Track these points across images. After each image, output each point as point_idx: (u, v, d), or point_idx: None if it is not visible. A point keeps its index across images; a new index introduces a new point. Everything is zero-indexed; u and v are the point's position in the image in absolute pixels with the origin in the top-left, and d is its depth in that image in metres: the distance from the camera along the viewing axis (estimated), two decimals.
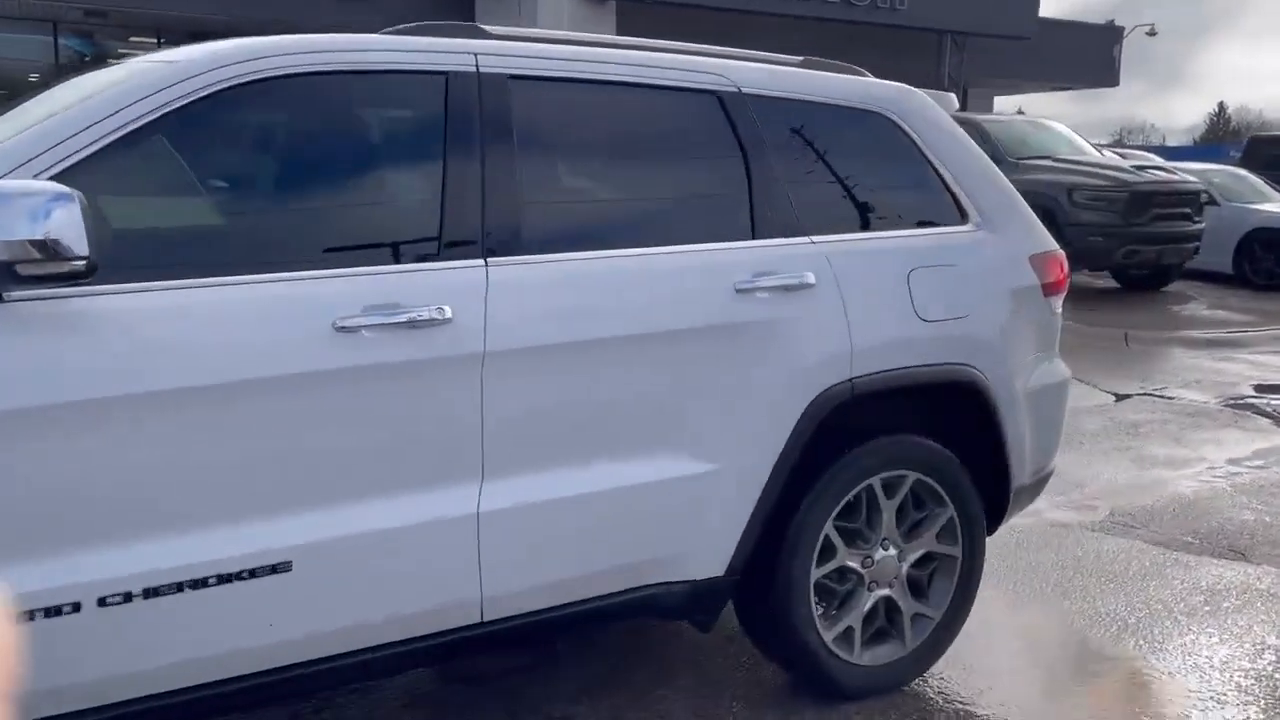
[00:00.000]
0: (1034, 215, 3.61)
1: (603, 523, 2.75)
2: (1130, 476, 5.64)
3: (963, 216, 3.38)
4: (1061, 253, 3.61)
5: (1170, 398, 7.64)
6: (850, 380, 3.02)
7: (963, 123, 12.08)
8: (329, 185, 2.59)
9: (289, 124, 2.63)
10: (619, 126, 2.92)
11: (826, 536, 3.09)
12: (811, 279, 2.98)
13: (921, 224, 3.32)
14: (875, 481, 3.15)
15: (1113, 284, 12.94)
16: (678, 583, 2.90)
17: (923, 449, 3.22)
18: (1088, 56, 25.99)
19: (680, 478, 2.83)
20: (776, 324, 2.91)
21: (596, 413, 2.70)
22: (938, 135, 3.39)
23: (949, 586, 3.36)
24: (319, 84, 2.50)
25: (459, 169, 2.58)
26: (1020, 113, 25.18)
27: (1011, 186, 3.58)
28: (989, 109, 26.75)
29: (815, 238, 3.06)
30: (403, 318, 2.40)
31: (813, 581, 3.08)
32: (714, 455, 2.87)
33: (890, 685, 3.28)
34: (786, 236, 3.02)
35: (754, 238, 2.99)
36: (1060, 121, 13.45)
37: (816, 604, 3.13)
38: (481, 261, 2.57)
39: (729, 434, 2.88)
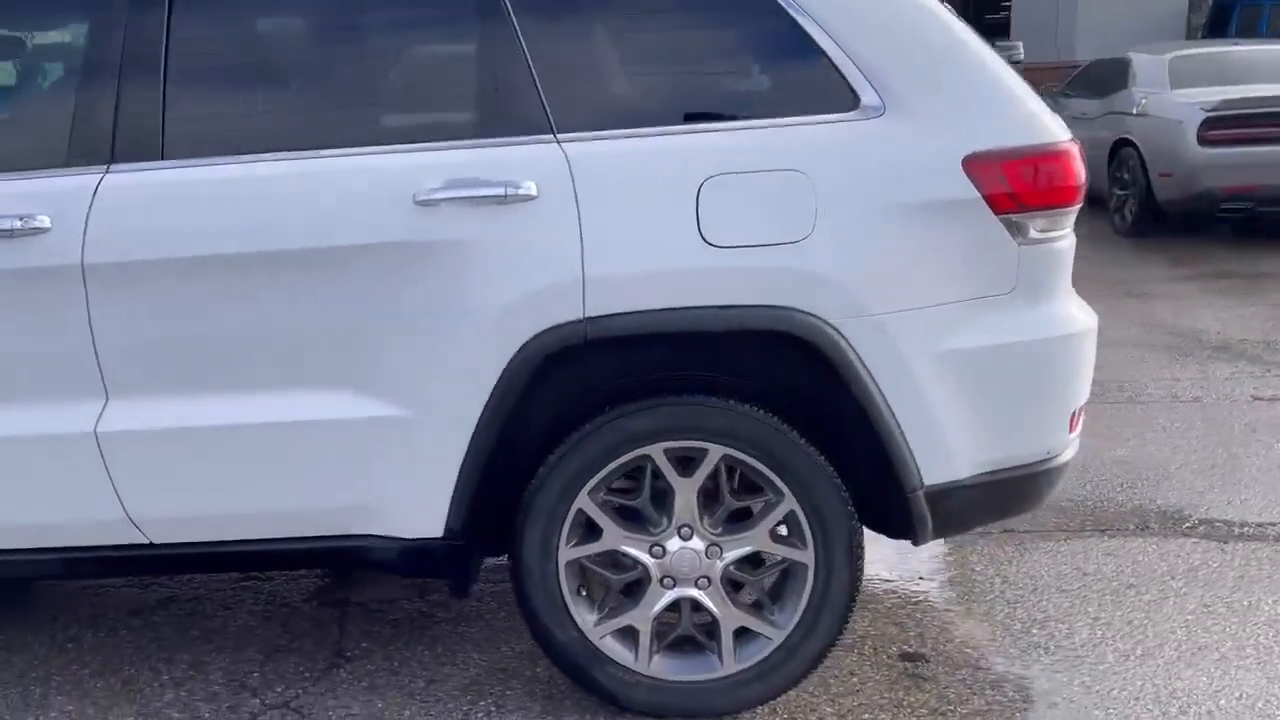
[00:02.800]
0: (1010, 92, 2.44)
1: (268, 459, 2.48)
2: None
3: (854, 100, 2.39)
4: (1052, 148, 2.41)
5: None
6: (584, 320, 2.35)
7: None
8: None
9: None
10: (311, 14, 2.51)
11: (582, 512, 2.48)
12: (530, 189, 2.34)
13: (770, 113, 2.42)
14: (655, 452, 2.44)
15: None
16: (388, 538, 2.54)
17: (728, 416, 2.41)
18: None
19: (360, 420, 2.45)
20: (469, 244, 2.35)
21: (242, 337, 2.43)
22: None
23: (799, 600, 2.52)
24: None
25: (93, 67, 2.43)
26: None
27: (974, 52, 2.45)
28: None
29: (566, 135, 2.39)
30: None
31: (563, 563, 2.50)
32: (402, 399, 2.43)
33: (698, 710, 2.57)
34: (521, 134, 2.40)
35: (478, 137, 2.42)
36: None
37: (579, 592, 2.55)
38: (103, 168, 2.41)
39: (418, 376, 2.41)
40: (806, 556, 2.49)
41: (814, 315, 2.34)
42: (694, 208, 2.33)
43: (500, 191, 2.33)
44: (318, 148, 2.42)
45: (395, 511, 2.50)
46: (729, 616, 2.54)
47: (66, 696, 2.78)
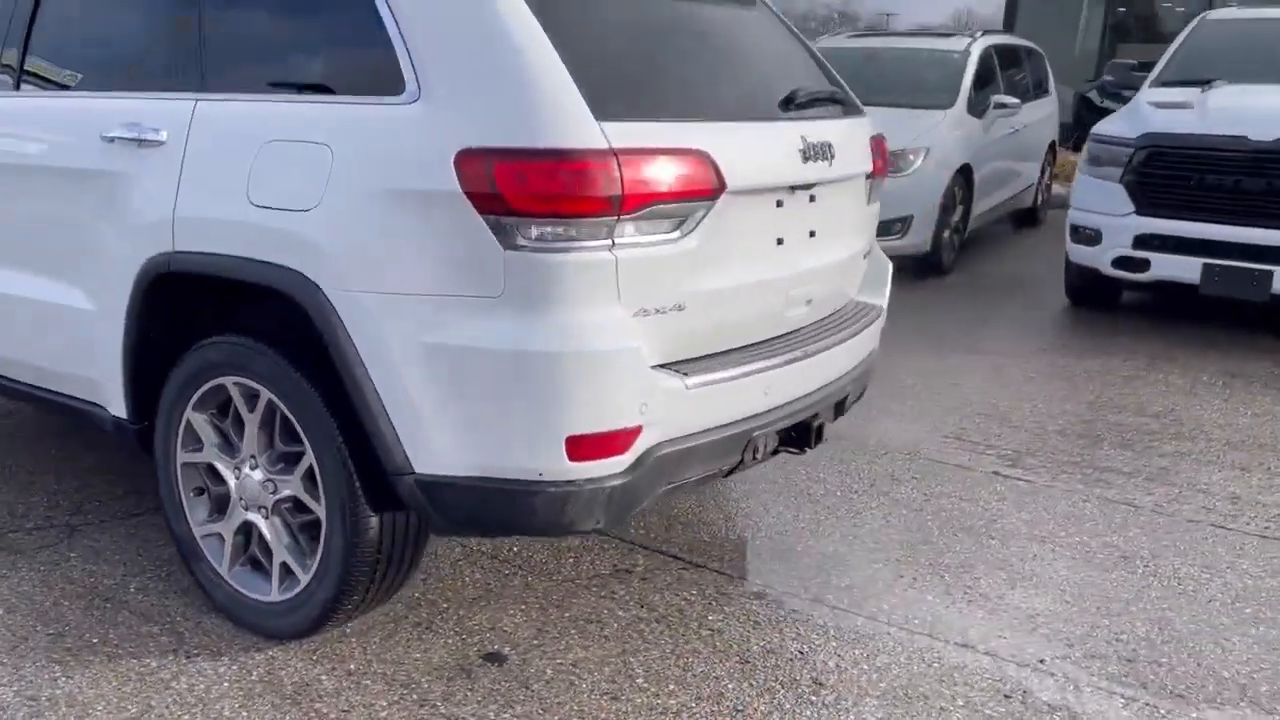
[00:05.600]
0: (535, 94, 2.31)
1: (31, 325, 3.19)
2: None
3: (400, 85, 2.45)
4: (560, 155, 2.26)
5: None
6: (170, 254, 2.72)
7: None
8: None
9: None
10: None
11: (190, 423, 2.86)
12: (162, 136, 2.76)
13: (338, 88, 2.55)
14: (229, 383, 2.74)
15: None
16: (106, 410, 3.12)
17: (263, 362, 2.64)
18: None
19: (72, 308, 3.05)
20: (127, 176, 2.83)
21: (12, 227, 3.16)
22: None
23: (317, 550, 2.68)
24: None
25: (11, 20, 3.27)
26: None
27: (515, 49, 2.34)
28: None
29: (206, 95, 2.75)
30: None
31: (178, 465, 2.91)
32: (90, 295, 2.99)
33: (255, 625, 2.83)
34: (182, 91, 2.81)
35: (160, 90, 2.87)
36: None
37: (194, 493, 2.94)
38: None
39: (97, 279, 2.96)
40: (320, 511, 2.64)
41: (313, 281, 2.47)
42: (249, 168, 2.58)
43: (138, 135, 2.79)
44: (64, 89, 3.10)
45: (105, 389, 3.07)
46: (279, 551, 2.77)
47: None
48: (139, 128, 2.81)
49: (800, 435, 2.92)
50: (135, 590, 3.07)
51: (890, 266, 3.52)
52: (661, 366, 2.51)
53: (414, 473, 2.46)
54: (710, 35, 2.88)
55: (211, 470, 2.89)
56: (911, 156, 7.35)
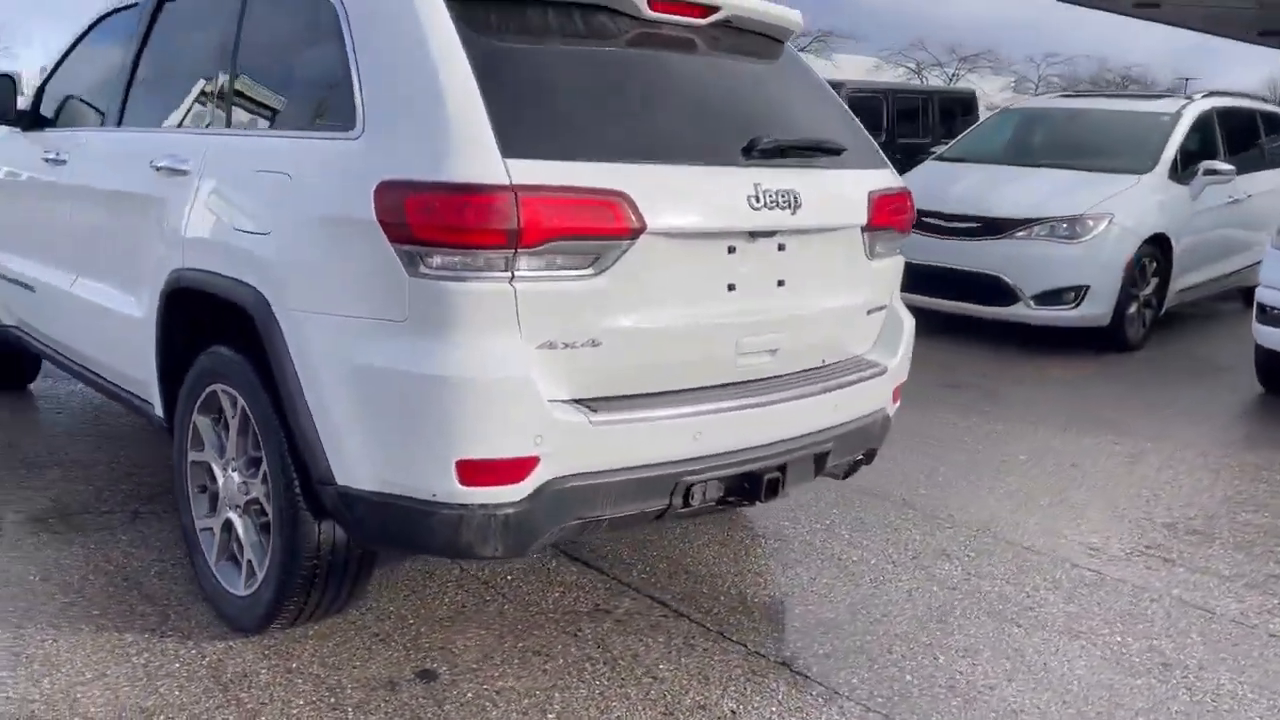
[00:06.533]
0: (449, 130, 2.42)
1: (107, 330, 3.60)
2: None
3: (352, 121, 2.63)
4: (464, 188, 2.36)
5: None
6: (180, 270, 3.03)
7: None
8: None
9: None
10: (171, 40, 3.53)
11: (196, 425, 3.14)
12: (188, 166, 3.07)
13: (312, 126, 2.77)
14: (219, 390, 3.00)
15: None
16: (154, 409, 3.48)
17: (237, 371, 2.87)
18: None
19: (130, 316, 3.42)
20: (166, 200, 3.17)
21: (100, 241, 3.59)
22: (377, 23, 2.67)
23: (269, 551, 2.86)
24: None
25: (121, 68, 3.76)
26: None
27: (440, 86, 2.47)
28: None
29: (226, 132, 3.06)
30: (50, 156, 3.86)
31: (188, 461, 3.20)
32: (140, 305, 3.35)
33: (231, 618, 3.03)
34: (214, 129, 3.13)
35: (201, 126, 3.21)
36: None
37: (198, 489, 3.20)
38: (97, 128, 3.76)
39: (143, 290, 3.31)
40: (270, 514, 2.82)
41: (264, 298, 2.68)
42: (238, 194, 2.85)
43: (171, 165, 3.13)
44: (128, 126, 3.52)
45: (151, 390, 3.42)
46: (248, 549, 2.98)
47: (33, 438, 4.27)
48: (176, 158, 3.15)
49: (752, 486, 2.84)
50: (155, 574, 3.38)
51: (909, 325, 3.36)
52: (572, 401, 2.53)
53: (335, 484, 2.60)
54: (670, 83, 2.88)
55: (209, 469, 3.15)
56: (1091, 223, 6.90)
